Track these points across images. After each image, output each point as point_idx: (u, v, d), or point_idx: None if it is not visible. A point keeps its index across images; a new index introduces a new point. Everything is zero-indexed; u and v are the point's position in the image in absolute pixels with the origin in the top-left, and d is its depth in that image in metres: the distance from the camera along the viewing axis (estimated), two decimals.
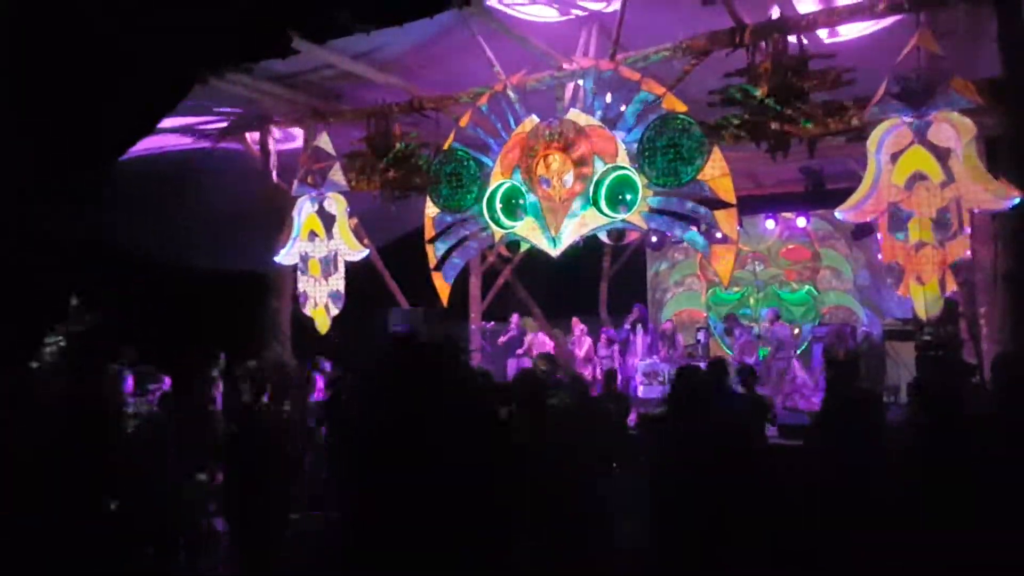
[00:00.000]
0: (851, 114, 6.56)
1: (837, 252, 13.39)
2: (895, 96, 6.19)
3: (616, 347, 11.38)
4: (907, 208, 6.28)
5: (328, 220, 9.12)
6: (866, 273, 12.93)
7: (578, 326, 11.18)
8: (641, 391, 10.37)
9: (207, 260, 11.16)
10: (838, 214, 6.84)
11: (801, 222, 13.22)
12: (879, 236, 6.50)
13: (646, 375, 10.62)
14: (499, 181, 7.84)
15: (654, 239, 13.17)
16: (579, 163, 7.29)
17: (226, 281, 10.79)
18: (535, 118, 7.64)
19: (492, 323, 13.97)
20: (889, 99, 6.22)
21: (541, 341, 11.45)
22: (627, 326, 11.56)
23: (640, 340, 11.21)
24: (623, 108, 7.23)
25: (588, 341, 11.02)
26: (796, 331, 11.03)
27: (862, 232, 10.89)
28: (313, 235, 9.16)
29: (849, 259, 13.26)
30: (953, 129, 6.08)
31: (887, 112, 6.26)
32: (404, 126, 9.00)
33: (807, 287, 13.56)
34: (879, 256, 6.58)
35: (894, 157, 6.31)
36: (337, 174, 8.92)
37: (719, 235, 7.30)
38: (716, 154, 6.83)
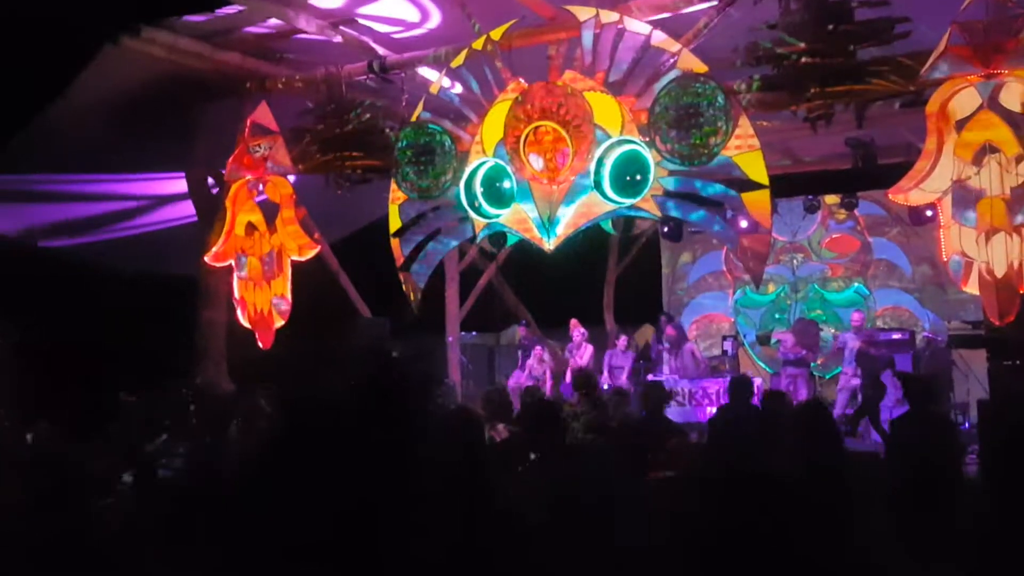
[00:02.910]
0: (908, 73, 6.58)
1: (891, 242, 13.47)
2: (960, 51, 6.22)
3: (632, 358, 11.41)
4: (975, 187, 6.31)
5: (270, 210, 9.05)
6: (927, 267, 13.01)
7: (577, 329, 11.16)
8: None
9: (127, 262, 11.11)
10: (892, 196, 6.87)
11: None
12: (941, 222, 6.53)
13: None
14: (479, 159, 7.80)
15: (666, 229, 13.20)
16: (577, 136, 7.29)
17: (148, 287, 10.72)
18: (523, 82, 7.62)
19: (474, 333, 13.94)
20: (953, 55, 6.25)
21: (537, 355, 11.43)
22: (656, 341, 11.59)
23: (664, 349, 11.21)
24: (630, 69, 7.21)
25: (590, 349, 11.00)
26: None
27: (921, 217, 10.97)
28: (251, 229, 9.11)
29: (906, 250, 13.34)
30: None
31: (950, 70, 6.29)
32: (362, 93, 8.97)
33: (856, 285, 13.64)
34: (941, 246, 6.61)
35: (959, 125, 6.33)
36: (280, 153, 8.87)
37: (747, 223, 7.31)
38: (744, 124, 6.83)
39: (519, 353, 11.79)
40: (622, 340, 11.56)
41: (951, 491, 4.42)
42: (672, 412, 10.45)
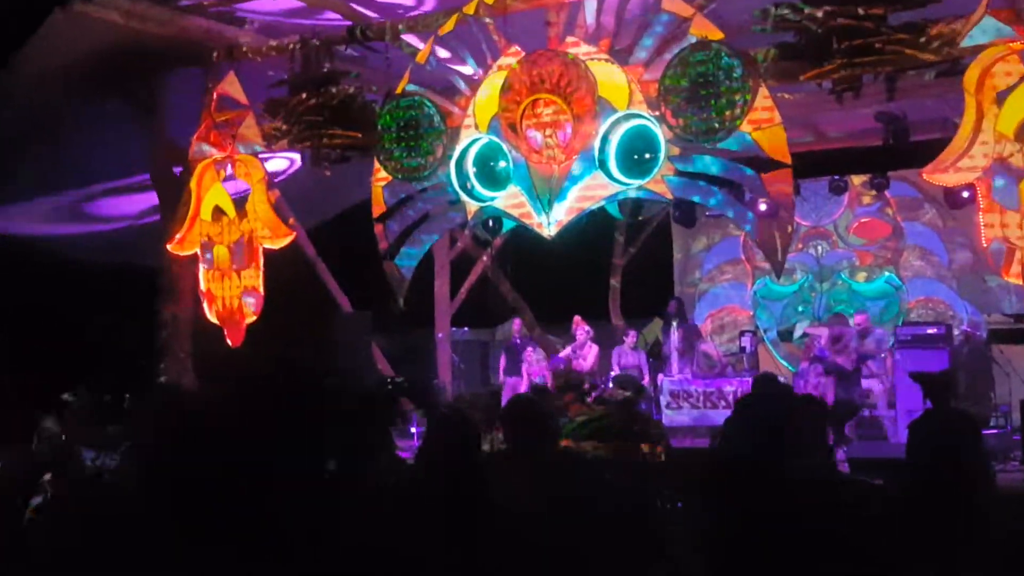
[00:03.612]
0: (943, 40, 6.60)
1: (926, 226, 13.51)
2: (1001, 14, 6.25)
3: (643, 355, 11.44)
4: (1018, 166, 6.35)
5: (240, 193, 9.06)
6: (966, 253, 13.06)
7: (580, 327, 11.19)
8: (666, 416, 10.43)
9: (79, 252, 11.10)
10: (926, 176, 6.91)
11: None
12: (980, 204, 6.57)
13: (673, 395, 10.67)
14: (472, 136, 7.83)
15: (678, 213, 13.21)
16: (580, 111, 7.31)
17: (106, 279, 10.73)
18: (519, 50, 7.64)
19: (466, 329, 13.95)
20: (992, 19, 6.28)
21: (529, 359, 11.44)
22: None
23: (673, 343, 11.21)
24: (638, 35, 7.24)
25: (595, 349, 11.08)
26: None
27: (959, 199, 11.01)
28: (219, 214, 9.12)
29: (942, 235, 13.39)
30: None
31: (990, 36, 6.32)
32: (342, 63, 8.97)
33: (886, 274, 13.69)
34: (980, 231, 6.64)
35: (1000, 98, 6.37)
36: (250, 129, 8.88)
37: (767, 206, 7.34)
38: (763, 96, 6.86)
39: (516, 349, 11.76)
40: (631, 336, 11.62)
41: (978, 497, 4.47)
42: (684, 414, 10.55)
